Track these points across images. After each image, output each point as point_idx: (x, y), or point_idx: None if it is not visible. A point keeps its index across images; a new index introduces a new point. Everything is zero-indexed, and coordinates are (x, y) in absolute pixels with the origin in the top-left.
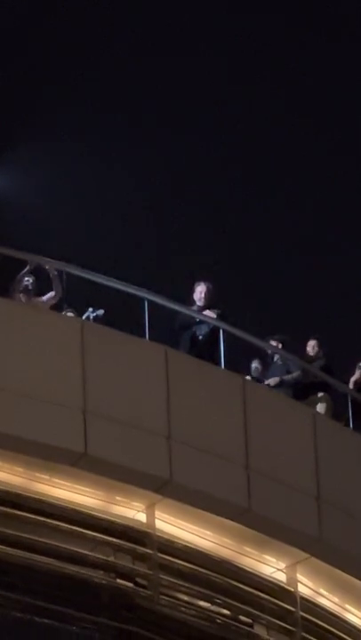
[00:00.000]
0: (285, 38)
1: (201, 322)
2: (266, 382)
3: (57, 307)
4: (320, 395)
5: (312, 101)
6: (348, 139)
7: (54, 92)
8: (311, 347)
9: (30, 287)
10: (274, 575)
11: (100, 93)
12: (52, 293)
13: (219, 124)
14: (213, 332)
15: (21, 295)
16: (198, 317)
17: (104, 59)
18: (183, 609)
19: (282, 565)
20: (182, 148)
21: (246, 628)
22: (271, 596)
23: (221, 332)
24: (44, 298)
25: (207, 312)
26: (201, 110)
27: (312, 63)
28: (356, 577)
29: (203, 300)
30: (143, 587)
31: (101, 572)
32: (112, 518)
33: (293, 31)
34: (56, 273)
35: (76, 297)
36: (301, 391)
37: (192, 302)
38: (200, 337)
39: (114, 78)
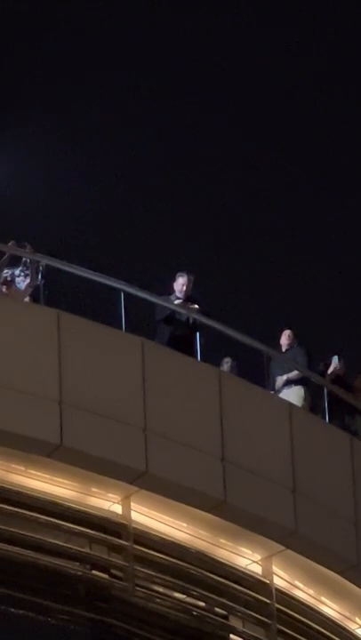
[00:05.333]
0: (286, 38)
1: (180, 314)
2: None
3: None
4: (298, 387)
5: (311, 96)
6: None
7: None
8: (286, 336)
9: (10, 279)
10: (249, 567)
11: (93, 85)
12: (27, 280)
13: (217, 119)
14: (192, 325)
15: (3, 287)
16: (177, 310)
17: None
18: (158, 600)
19: (257, 557)
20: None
21: (221, 619)
22: (247, 588)
23: (200, 325)
24: (22, 286)
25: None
26: (193, 95)
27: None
28: (332, 569)
29: (183, 291)
30: (119, 578)
31: (77, 563)
32: (88, 510)
33: (294, 31)
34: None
35: (53, 288)
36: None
37: (172, 292)
38: (179, 329)
39: (109, 68)
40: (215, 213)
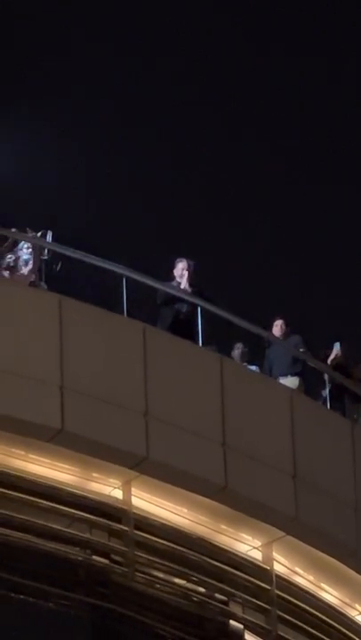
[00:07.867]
0: (286, 38)
1: (183, 299)
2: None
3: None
4: (294, 377)
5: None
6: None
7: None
8: (278, 327)
9: (13, 264)
10: (250, 553)
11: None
12: (29, 266)
13: (217, 119)
14: (195, 309)
15: (6, 272)
16: (177, 294)
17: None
18: (159, 586)
19: (258, 543)
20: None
21: (221, 605)
22: (247, 574)
23: (200, 309)
24: (24, 271)
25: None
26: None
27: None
28: (332, 555)
29: (183, 276)
30: (119, 563)
31: (77, 548)
32: (88, 495)
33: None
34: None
35: (54, 272)
36: None
37: (172, 278)
38: (182, 314)
39: (109, 61)
40: (215, 212)
